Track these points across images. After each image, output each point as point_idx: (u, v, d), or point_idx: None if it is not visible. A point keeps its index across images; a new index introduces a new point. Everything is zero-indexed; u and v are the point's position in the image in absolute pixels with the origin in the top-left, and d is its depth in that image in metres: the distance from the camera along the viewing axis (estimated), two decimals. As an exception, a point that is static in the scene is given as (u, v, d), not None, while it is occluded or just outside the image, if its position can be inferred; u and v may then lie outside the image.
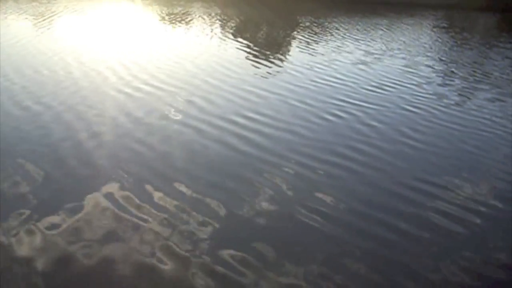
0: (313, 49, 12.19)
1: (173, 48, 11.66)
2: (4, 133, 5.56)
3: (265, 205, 4.16)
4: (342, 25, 17.34)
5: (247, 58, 10.75)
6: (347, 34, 15.04)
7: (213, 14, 19.15)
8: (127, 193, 4.27)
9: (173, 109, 6.66)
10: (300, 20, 18.67)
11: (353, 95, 7.85)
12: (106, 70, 8.89)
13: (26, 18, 15.94)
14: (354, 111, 6.95)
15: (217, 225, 3.81)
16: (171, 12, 19.63)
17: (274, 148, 5.41)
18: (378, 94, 8.00)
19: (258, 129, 6.02)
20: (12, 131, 5.65)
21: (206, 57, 10.63)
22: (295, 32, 15.43)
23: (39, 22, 15.27)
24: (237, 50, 11.67)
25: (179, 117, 6.38)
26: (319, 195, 4.37)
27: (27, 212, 3.88)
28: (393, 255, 3.53)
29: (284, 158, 5.12)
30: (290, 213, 4.06)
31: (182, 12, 19.66)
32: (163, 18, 17.89)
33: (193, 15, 18.90)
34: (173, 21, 17.05)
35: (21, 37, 12.15)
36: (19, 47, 10.91)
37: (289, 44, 13.35)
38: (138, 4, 23.13)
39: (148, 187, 4.38)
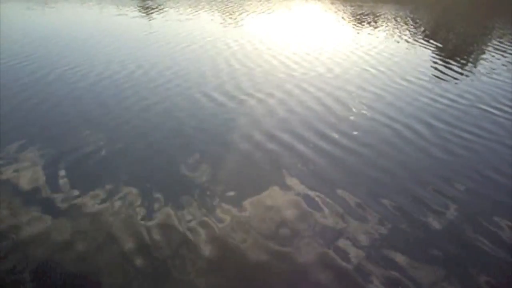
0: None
1: (354, 48, 11.88)
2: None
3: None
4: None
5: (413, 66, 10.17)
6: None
7: (400, 16, 18.54)
8: (303, 191, 4.52)
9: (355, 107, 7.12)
10: (485, 26, 16.57)
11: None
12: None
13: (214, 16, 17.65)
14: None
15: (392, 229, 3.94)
16: (357, 12, 19.53)
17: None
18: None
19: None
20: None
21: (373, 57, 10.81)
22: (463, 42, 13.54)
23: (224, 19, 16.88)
24: (401, 57, 11.09)
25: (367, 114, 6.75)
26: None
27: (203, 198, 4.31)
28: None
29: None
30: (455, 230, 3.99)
31: (368, 12, 19.42)
32: (348, 18, 17.83)
33: (379, 16, 18.48)
34: (358, 21, 16.96)
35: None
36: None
37: (466, 53, 11.74)
38: (325, 3, 23.41)
39: (327, 189, 4.58)
